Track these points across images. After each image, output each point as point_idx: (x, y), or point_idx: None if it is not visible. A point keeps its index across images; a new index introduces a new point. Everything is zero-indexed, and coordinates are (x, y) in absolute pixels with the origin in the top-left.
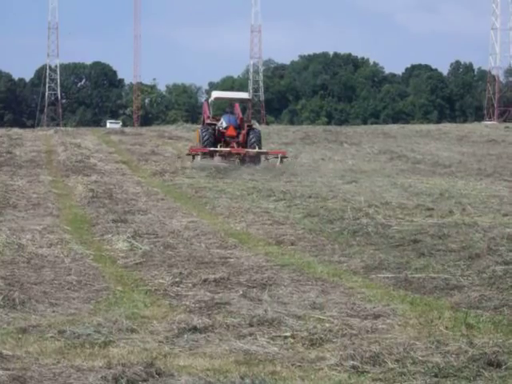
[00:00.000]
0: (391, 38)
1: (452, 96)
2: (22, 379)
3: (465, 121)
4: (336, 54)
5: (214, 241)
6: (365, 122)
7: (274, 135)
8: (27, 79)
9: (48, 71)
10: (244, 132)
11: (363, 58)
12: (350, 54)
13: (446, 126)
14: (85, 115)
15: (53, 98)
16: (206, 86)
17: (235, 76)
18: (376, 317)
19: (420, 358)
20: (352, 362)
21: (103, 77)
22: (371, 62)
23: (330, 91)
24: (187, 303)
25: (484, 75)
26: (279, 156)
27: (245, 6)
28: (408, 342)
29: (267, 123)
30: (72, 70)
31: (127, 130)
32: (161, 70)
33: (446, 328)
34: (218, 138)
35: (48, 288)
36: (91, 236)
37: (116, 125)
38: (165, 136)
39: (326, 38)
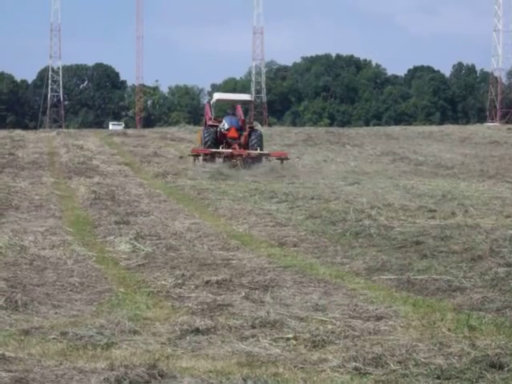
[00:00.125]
0: (393, 39)
1: (454, 97)
2: (25, 381)
3: (467, 122)
4: (338, 56)
5: (216, 242)
6: (367, 124)
7: (276, 137)
8: (30, 81)
9: (50, 73)
10: (246, 133)
11: (365, 60)
12: (352, 56)
13: (449, 128)
14: (87, 117)
15: (55, 100)
16: (208, 88)
17: (237, 78)
18: (378, 318)
19: (422, 359)
20: (354, 364)
21: (105, 78)
22: (373, 63)
23: (333, 93)
24: (189, 305)
25: (486, 77)
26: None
27: (247, 8)
28: (410, 343)
29: (269, 125)
30: (74, 72)
31: (130, 131)
32: (163, 72)
33: (449, 330)
34: (219, 139)
35: (50, 290)
36: (94, 238)
37: (118, 126)
38: (167, 138)
39: (328, 40)
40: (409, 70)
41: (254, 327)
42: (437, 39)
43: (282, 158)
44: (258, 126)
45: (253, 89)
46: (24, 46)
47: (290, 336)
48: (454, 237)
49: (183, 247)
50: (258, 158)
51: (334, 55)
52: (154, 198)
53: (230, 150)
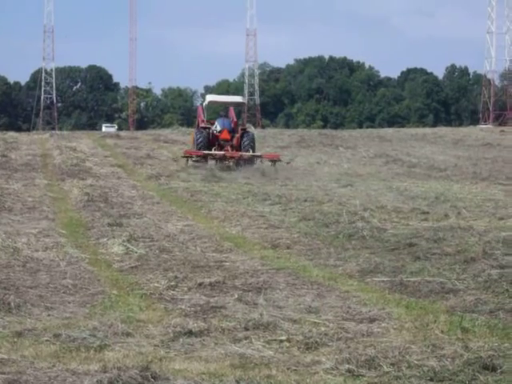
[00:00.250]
0: (387, 41)
1: (447, 100)
2: (18, 383)
3: (460, 124)
4: (331, 58)
5: (209, 244)
6: (360, 126)
7: (269, 139)
8: (23, 83)
9: (43, 75)
10: (238, 135)
11: (359, 62)
12: (345, 58)
13: (442, 130)
14: (80, 119)
15: (48, 102)
16: (201, 90)
17: (231, 79)
18: (371, 320)
19: (415, 361)
20: (347, 366)
21: (99, 80)
22: (367, 65)
23: (326, 95)
24: (182, 307)
25: (479, 79)
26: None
27: (240, 10)
28: (403, 345)
29: (263, 127)
30: (67, 74)
31: (123, 133)
32: (156, 74)
33: (442, 332)
34: (212, 141)
35: (43, 292)
36: (87, 240)
37: (111, 128)
38: (160, 140)
39: (321, 42)
40: (402, 73)
41: (247, 329)
42: (430, 41)
43: (275, 160)
44: (251, 128)
45: (246, 91)
46: (17, 48)
47: (283, 338)
48: (447, 239)
49: (176, 249)
50: (250, 160)
51: (327, 57)
52: (147, 200)
53: (222, 152)
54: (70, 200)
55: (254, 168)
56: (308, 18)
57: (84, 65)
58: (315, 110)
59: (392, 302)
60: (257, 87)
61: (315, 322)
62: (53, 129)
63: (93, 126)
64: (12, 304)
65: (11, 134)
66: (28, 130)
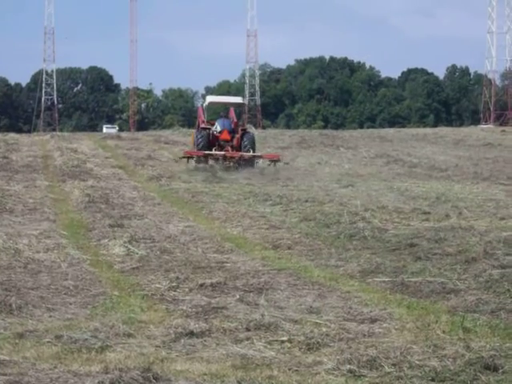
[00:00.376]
0: (387, 42)
1: (448, 100)
2: None
3: (461, 124)
4: (332, 58)
5: (210, 245)
6: (361, 126)
7: (270, 139)
8: (23, 84)
9: (44, 76)
10: (238, 136)
11: (359, 62)
12: (346, 58)
13: (443, 130)
14: (81, 120)
15: (49, 103)
16: (202, 91)
17: (231, 80)
18: (373, 321)
19: (417, 361)
20: (349, 366)
21: (99, 81)
22: (367, 66)
23: (327, 95)
24: (184, 308)
25: (480, 79)
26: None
27: (241, 11)
28: (405, 345)
29: (263, 127)
30: (68, 75)
31: (123, 134)
32: (157, 75)
33: (443, 332)
34: (212, 142)
35: (45, 293)
36: (88, 241)
37: (112, 129)
38: (161, 141)
39: (322, 42)
40: (403, 73)
41: (248, 330)
42: (431, 41)
43: (275, 160)
44: (252, 129)
45: (247, 91)
46: (18, 50)
47: (285, 339)
48: (448, 239)
49: (177, 250)
50: (250, 161)
51: (327, 58)
52: (148, 201)
53: (222, 153)
54: (71, 201)
55: (255, 168)
56: (308, 18)
57: (85, 66)
58: (316, 110)
59: (393, 303)
60: (257, 88)
61: (316, 323)
62: (53, 130)
63: (93, 127)
64: (13, 305)
65: (12, 135)
66: (29, 131)
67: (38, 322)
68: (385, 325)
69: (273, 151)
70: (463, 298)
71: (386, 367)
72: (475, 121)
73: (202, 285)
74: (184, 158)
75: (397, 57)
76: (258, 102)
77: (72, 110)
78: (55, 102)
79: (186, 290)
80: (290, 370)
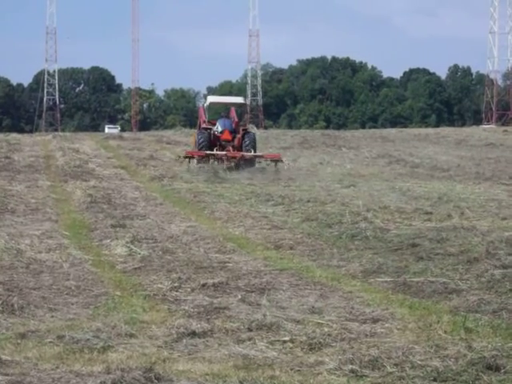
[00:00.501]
0: (389, 42)
1: (450, 100)
2: None
3: (463, 124)
4: (334, 59)
5: (212, 245)
6: (363, 126)
7: (272, 139)
8: (25, 84)
9: (46, 76)
10: (239, 136)
11: (361, 62)
12: (348, 58)
13: (445, 130)
14: (83, 120)
15: (51, 103)
16: (204, 91)
17: (233, 80)
18: (375, 321)
19: (419, 362)
20: (351, 367)
21: (101, 82)
22: (369, 66)
23: (329, 95)
24: (186, 308)
25: (482, 79)
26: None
27: (243, 11)
28: (407, 346)
29: (265, 127)
30: (70, 75)
31: (125, 134)
32: (159, 75)
33: (445, 332)
34: (213, 142)
35: (47, 293)
36: (90, 241)
37: (114, 130)
38: (163, 141)
39: (324, 43)
40: (404, 73)
41: (250, 330)
42: (432, 41)
43: (276, 160)
44: (254, 129)
45: (249, 92)
46: (20, 50)
47: (287, 339)
48: (450, 239)
49: (179, 250)
50: (251, 160)
51: (329, 58)
52: (150, 201)
53: (224, 152)
54: (73, 201)
55: (256, 168)
56: (310, 18)
57: (87, 66)
58: (318, 110)
59: (395, 303)
60: (259, 88)
61: (318, 323)
62: (55, 130)
63: (95, 127)
64: (15, 305)
65: (14, 135)
66: (31, 131)
67: (40, 322)
68: (387, 325)
69: (275, 151)
70: (465, 298)
71: (388, 367)
72: (477, 121)
73: (204, 285)
74: (186, 157)
75: (399, 57)
76: (260, 102)
77: (74, 110)
78: (57, 102)
79: (188, 290)
80: (291, 370)
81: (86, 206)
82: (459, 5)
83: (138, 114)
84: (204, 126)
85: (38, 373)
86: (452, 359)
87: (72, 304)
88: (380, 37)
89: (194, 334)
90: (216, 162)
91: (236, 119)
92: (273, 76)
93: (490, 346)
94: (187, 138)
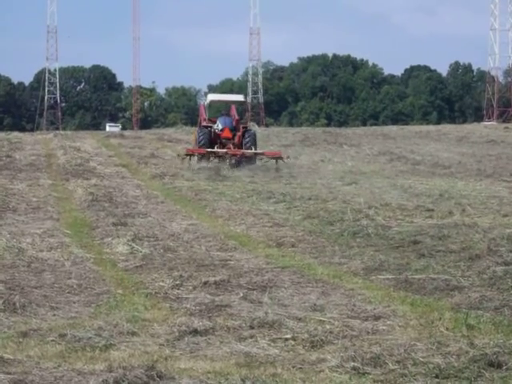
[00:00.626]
0: (390, 39)
1: (451, 97)
2: (23, 383)
3: (464, 121)
4: (335, 56)
5: (214, 243)
6: (364, 124)
7: (273, 137)
8: (26, 83)
9: (47, 75)
10: (239, 134)
11: (362, 60)
12: (349, 56)
13: (446, 127)
14: (84, 119)
15: (52, 102)
16: (205, 89)
17: (234, 78)
18: (376, 318)
19: (421, 358)
20: (353, 364)
21: (102, 80)
22: (370, 63)
23: (330, 93)
24: (188, 306)
25: (483, 76)
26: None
27: (244, 9)
28: (409, 343)
29: (266, 125)
30: (71, 74)
31: (127, 133)
32: (160, 73)
33: (447, 329)
34: (214, 139)
35: (48, 292)
36: (91, 239)
37: (115, 128)
38: (164, 139)
39: (324, 40)
40: (405, 70)
41: (252, 328)
42: (433, 38)
43: (277, 158)
44: (255, 127)
45: (250, 89)
46: (21, 49)
47: (289, 336)
48: (452, 236)
49: (181, 248)
50: (252, 158)
51: (330, 55)
52: (151, 199)
53: (224, 150)
54: (75, 200)
55: (257, 166)
56: (311, 16)
57: (88, 65)
58: (319, 108)
59: (397, 300)
60: (260, 86)
61: (320, 320)
62: (57, 129)
63: (97, 125)
64: (17, 304)
65: (15, 134)
66: (32, 130)
67: (42, 321)
68: (388, 322)
69: (276, 149)
70: (467, 295)
71: (390, 364)
72: (478, 118)
73: (205, 283)
74: (187, 155)
75: (400, 54)
76: (261, 99)
77: (75, 108)
78: (58, 100)
79: (190, 288)
80: (293, 367)
81: (88, 204)
82: (459, 2)
83: (139, 113)
84: (204, 123)
85: (40, 371)
86: (454, 356)
87: (74, 302)
88: (381, 34)
89: (195, 331)
90: (217, 160)
91: (236, 117)
92: (274, 74)
93: (491, 342)
94: (188, 136)
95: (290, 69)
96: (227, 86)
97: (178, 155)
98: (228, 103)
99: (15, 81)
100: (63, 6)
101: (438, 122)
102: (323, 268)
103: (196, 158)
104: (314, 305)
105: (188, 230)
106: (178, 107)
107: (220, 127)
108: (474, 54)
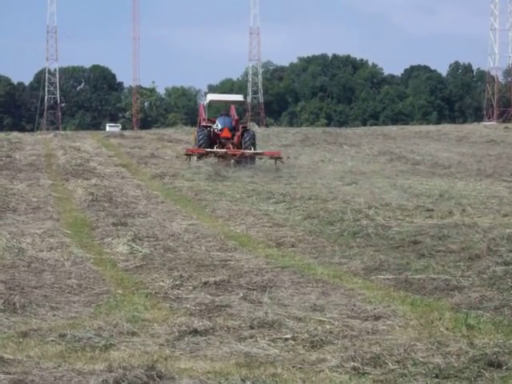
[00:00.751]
0: (390, 39)
1: (451, 97)
2: (23, 383)
3: (464, 121)
4: (335, 56)
5: (214, 243)
6: (364, 124)
7: (273, 137)
8: (26, 83)
9: (47, 75)
10: (239, 133)
11: (362, 60)
12: (348, 56)
13: (446, 127)
14: (84, 119)
15: (52, 102)
16: (205, 89)
17: (234, 78)
18: (376, 318)
19: (421, 358)
20: (353, 364)
21: (102, 80)
22: (370, 63)
23: (330, 93)
24: (188, 306)
25: (483, 76)
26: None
27: (243, 9)
28: (409, 343)
29: (267, 125)
30: (71, 74)
31: (127, 133)
32: (160, 73)
33: (447, 329)
34: (213, 139)
35: (48, 292)
36: (91, 239)
37: (115, 128)
38: (164, 139)
39: (324, 40)
40: (405, 70)
41: (252, 328)
42: (433, 38)
43: (276, 157)
44: (255, 127)
45: (249, 89)
46: (20, 49)
47: (289, 336)
48: (452, 236)
49: (181, 248)
50: (251, 158)
51: (330, 55)
52: (151, 199)
53: (224, 150)
54: (75, 200)
55: (256, 166)
56: (311, 16)
57: (87, 65)
58: (319, 108)
59: (397, 300)
60: (260, 86)
61: (320, 320)
62: (57, 129)
63: (97, 125)
64: (17, 304)
65: (15, 134)
66: (32, 130)
67: (42, 321)
68: (388, 322)
69: (276, 149)
70: (467, 295)
71: (390, 364)
72: (478, 118)
73: (205, 283)
74: (186, 155)
75: (399, 54)
76: (261, 99)
77: (75, 108)
78: (58, 100)
79: (190, 288)
80: (293, 367)
81: (88, 204)
82: (460, 2)
83: (139, 113)
84: (204, 123)
85: (40, 371)
86: (454, 356)
87: (74, 302)
88: (380, 34)
89: (195, 332)
90: (216, 160)
91: (236, 117)
92: (274, 74)
93: (491, 342)
94: (188, 136)
95: (289, 69)
96: (227, 86)
97: (177, 157)
98: (227, 103)
99: (15, 81)
100: (63, 6)
101: (438, 122)
102: (323, 268)
103: (195, 157)
104: (314, 305)
105: (188, 230)
106: (177, 107)
107: (219, 127)
108: (474, 54)
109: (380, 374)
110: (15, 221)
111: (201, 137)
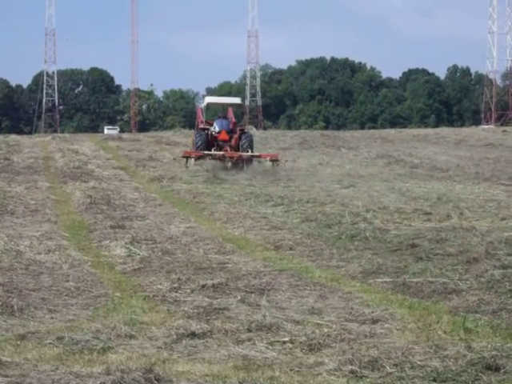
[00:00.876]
0: (388, 42)
1: (449, 100)
2: None
3: (462, 125)
4: (333, 59)
5: (212, 246)
6: (362, 127)
7: (271, 140)
8: (24, 86)
9: (45, 77)
10: (236, 136)
11: (360, 63)
12: (347, 59)
13: (444, 130)
14: (82, 121)
15: (50, 105)
16: (203, 92)
17: (232, 81)
18: (374, 321)
19: (418, 362)
20: (350, 367)
21: (100, 83)
22: (368, 66)
23: (328, 96)
24: (185, 309)
25: (481, 79)
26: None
27: (242, 11)
28: (406, 346)
29: (265, 128)
30: (69, 76)
31: (125, 135)
32: (158, 76)
33: (445, 332)
34: (211, 142)
35: (46, 294)
36: (89, 242)
37: (113, 131)
38: (162, 142)
39: (323, 43)
40: (403, 73)
41: (250, 331)
42: (431, 42)
43: (273, 160)
44: (253, 130)
45: (248, 92)
46: (19, 51)
47: (286, 339)
48: (450, 239)
49: (179, 251)
50: (248, 161)
51: (328, 58)
52: (149, 202)
53: (222, 153)
54: (73, 202)
55: (254, 168)
56: (309, 19)
57: (86, 67)
58: (317, 111)
59: (395, 303)
60: (258, 89)
61: (318, 324)
62: (55, 131)
63: (95, 128)
64: (15, 307)
65: (13, 136)
66: (30, 132)
67: (40, 324)
68: (386, 325)
69: (274, 152)
70: (465, 299)
71: (388, 368)
72: (476, 121)
73: (203, 286)
74: (184, 157)
75: (398, 57)
76: (259, 102)
77: (73, 111)
78: (56, 103)
79: (188, 291)
80: (291, 370)
81: (86, 207)
82: (458, 5)
83: (137, 115)
84: (201, 126)
85: (37, 374)
86: (452, 359)
87: (71, 305)
88: (378, 37)
89: (193, 334)
90: (214, 162)
91: (233, 119)
92: (272, 77)
93: (489, 346)
94: (186, 139)
95: (288, 72)
96: (225, 89)
97: (174, 159)
98: (225, 106)
99: (13, 83)
100: (61, 8)
101: (436, 126)
102: (321, 271)
103: (193, 160)
104: (312, 308)
105: (186, 233)
106: (176, 110)
107: (217, 129)
108: (472, 58)
109: (378, 377)
110: (13, 223)
111: (198, 139)
